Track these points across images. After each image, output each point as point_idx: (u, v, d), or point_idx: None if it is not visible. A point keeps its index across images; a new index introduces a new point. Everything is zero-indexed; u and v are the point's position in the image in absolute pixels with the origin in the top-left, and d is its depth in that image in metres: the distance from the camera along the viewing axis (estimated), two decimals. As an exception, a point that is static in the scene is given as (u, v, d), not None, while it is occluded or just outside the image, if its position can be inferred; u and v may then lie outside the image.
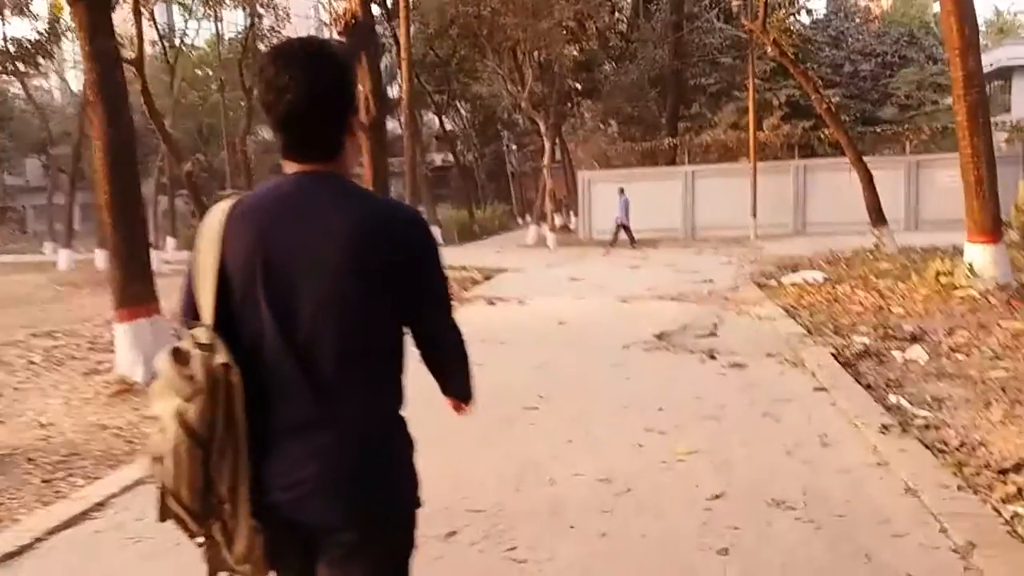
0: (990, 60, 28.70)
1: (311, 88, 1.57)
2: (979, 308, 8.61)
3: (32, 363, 8.41)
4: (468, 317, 10.72)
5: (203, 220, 1.65)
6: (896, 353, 6.96)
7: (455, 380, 1.91)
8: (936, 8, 31.39)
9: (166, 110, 25.09)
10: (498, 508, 3.91)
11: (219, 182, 33.71)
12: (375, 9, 25.37)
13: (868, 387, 5.93)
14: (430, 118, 37.62)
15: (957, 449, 4.48)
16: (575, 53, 26.32)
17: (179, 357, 1.52)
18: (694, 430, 5.12)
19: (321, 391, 1.56)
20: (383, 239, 1.58)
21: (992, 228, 9.63)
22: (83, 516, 4.10)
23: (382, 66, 31.47)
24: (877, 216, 16.04)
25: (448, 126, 38.16)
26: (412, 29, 25.56)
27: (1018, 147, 24.63)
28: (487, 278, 15.85)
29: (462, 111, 38.20)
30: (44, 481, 4.74)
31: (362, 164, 12.27)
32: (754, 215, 23.47)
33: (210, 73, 34.17)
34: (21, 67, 24.67)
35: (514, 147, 42.34)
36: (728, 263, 16.79)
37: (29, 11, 24.43)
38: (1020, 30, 46.64)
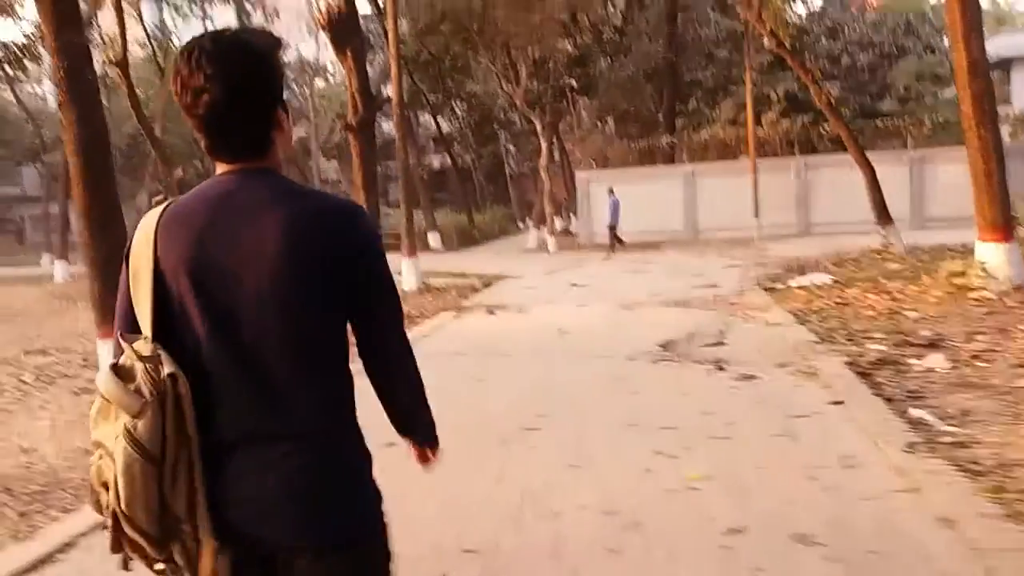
0: (988, 50, 28.34)
1: (228, 85, 1.47)
2: (996, 311, 8.28)
3: (23, 382, 8.29)
4: (467, 327, 10.41)
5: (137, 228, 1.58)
6: (914, 361, 6.62)
7: (408, 412, 1.81)
8: (934, -4, 31.14)
9: (156, 114, 24.53)
10: (494, 547, 3.58)
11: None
12: (366, 6, 25.14)
13: (888, 399, 5.60)
14: (427, 120, 37.30)
15: (993, 470, 4.14)
16: (569, 48, 25.97)
17: (122, 373, 1.46)
18: (705, 452, 4.78)
19: (269, 398, 1.50)
20: (319, 234, 1.50)
21: (1004, 225, 9.30)
22: (48, 559, 3.77)
23: (376, 65, 31.39)
24: (883, 214, 15.69)
25: (444, 127, 37.85)
26: (403, 26, 25.26)
27: (1023, 140, 24.27)
28: (487, 285, 15.57)
29: (458, 111, 37.81)
30: (20, 514, 4.48)
31: (355, 167, 11.97)
32: (757, 215, 23.12)
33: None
34: (8, 71, 24.22)
35: (512, 148, 41.98)
36: (733, 266, 16.44)
37: (14, 12, 23.85)
38: (1019, 19, 46.32)
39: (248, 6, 27.46)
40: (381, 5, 23.66)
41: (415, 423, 1.85)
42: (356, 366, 1.62)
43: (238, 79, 1.49)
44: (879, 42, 32.86)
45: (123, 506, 1.44)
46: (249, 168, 1.55)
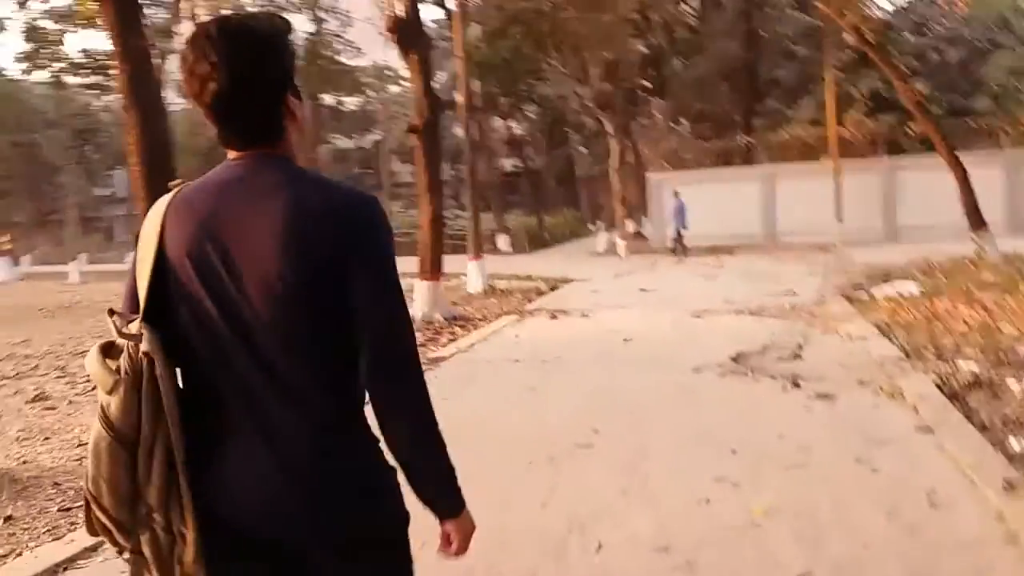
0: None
1: (235, 73, 1.41)
2: (1107, 327, 7.51)
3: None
4: (528, 332, 10.11)
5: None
6: (1012, 382, 5.99)
7: (409, 464, 1.49)
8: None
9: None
10: (532, 583, 3.26)
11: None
12: (439, 13, 25.20)
13: (982, 427, 5.02)
14: (499, 123, 37.23)
15: (1110, 518, 3.60)
16: (641, 48, 25.47)
17: (107, 351, 1.44)
18: (773, 480, 4.34)
19: (271, 388, 1.41)
20: (323, 222, 1.41)
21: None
22: (81, 555, 3.71)
23: (449, 70, 31.46)
24: (976, 219, 14.70)
25: (516, 130, 37.72)
26: (475, 30, 25.19)
27: None
28: (552, 288, 15.31)
29: (529, 114, 37.62)
30: (62, 510, 4.44)
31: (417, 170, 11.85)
32: (840, 219, 22.16)
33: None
34: (94, 79, 25.16)
35: (583, 150, 41.53)
36: (812, 273, 15.71)
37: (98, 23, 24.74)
38: None
39: (322, 14, 27.84)
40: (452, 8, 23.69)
41: (420, 481, 1.50)
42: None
43: (245, 66, 1.42)
44: (971, 38, 31.21)
45: (89, 485, 1.41)
46: (260, 154, 1.49)
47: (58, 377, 8.51)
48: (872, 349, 7.75)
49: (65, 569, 3.65)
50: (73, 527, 4.11)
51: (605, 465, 4.71)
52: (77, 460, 5.32)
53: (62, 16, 27.89)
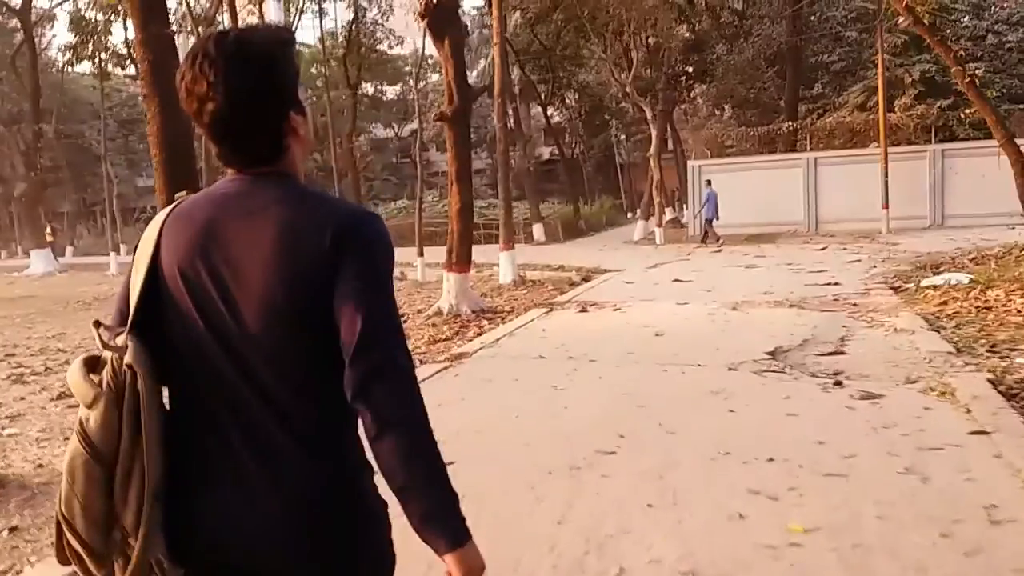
0: None
1: (233, 93, 1.35)
2: None
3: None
4: (556, 326, 9.80)
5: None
6: (1077, 382, 5.54)
7: (403, 491, 1.32)
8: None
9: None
10: (541, 611, 2.96)
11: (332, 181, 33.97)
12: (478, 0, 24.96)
13: (1045, 432, 4.61)
14: (537, 111, 36.80)
15: None
16: (685, 33, 24.90)
17: (92, 365, 1.40)
18: (814, 493, 3.98)
19: (259, 407, 1.35)
20: (318, 238, 1.34)
21: None
22: None
23: (486, 58, 31.15)
24: (1032, 206, 14.00)
25: (555, 118, 37.27)
26: (515, 17, 24.85)
27: None
28: (585, 279, 15.01)
29: (568, 101, 37.14)
30: None
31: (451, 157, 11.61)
32: (886, 206, 21.42)
33: (323, 71, 34.24)
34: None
35: (623, 137, 40.91)
36: (856, 261, 15.15)
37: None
38: None
39: (363, 2, 27.72)
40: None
41: (413, 506, 1.31)
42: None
43: (244, 86, 1.35)
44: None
45: (62, 506, 1.34)
46: (261, 172, 1.43)
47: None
48: (920, 343, 7.31)
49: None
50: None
51: (629, 475, 4.38)
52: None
53: (107, 7, 28.15)
